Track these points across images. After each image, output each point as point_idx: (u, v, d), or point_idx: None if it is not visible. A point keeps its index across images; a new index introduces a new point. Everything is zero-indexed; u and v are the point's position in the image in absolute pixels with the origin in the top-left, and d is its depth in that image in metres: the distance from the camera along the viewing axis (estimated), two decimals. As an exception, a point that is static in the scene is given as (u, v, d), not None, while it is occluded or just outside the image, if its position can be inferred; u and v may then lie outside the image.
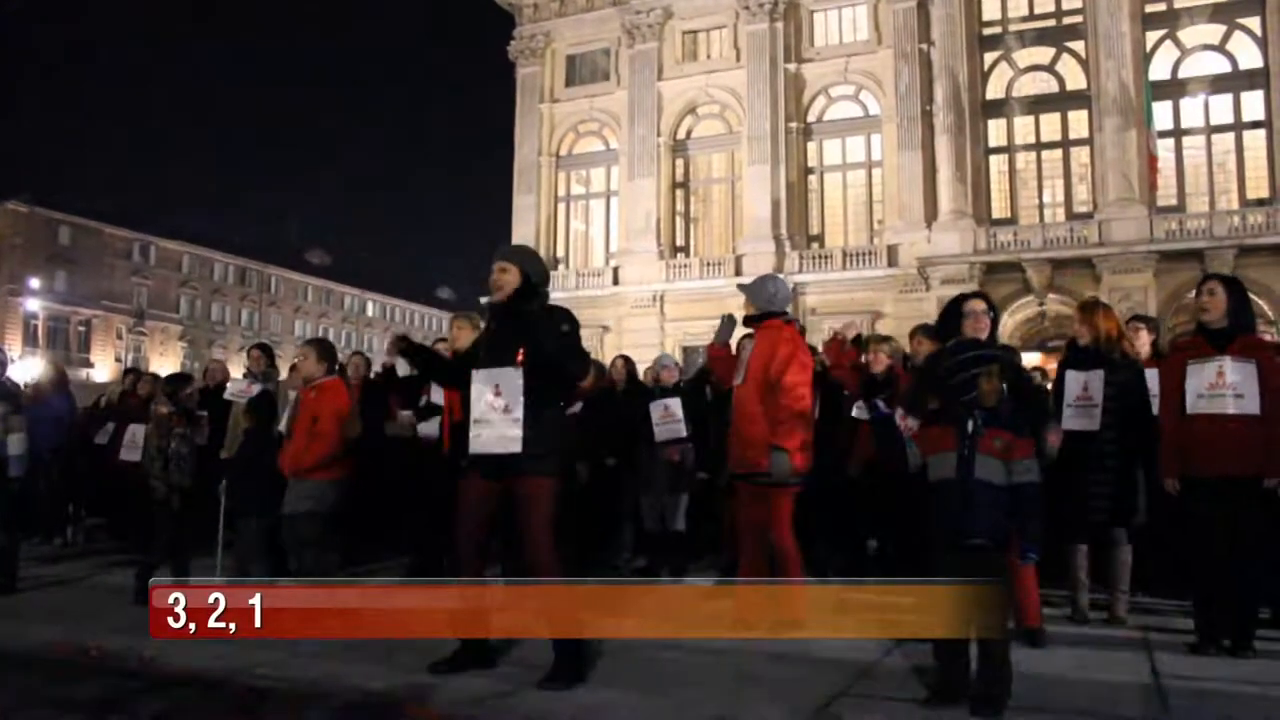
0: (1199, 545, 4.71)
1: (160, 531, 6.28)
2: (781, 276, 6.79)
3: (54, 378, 9.16)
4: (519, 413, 4.10)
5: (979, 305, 4.67)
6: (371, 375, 8.16)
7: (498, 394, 4.13)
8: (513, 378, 4.13)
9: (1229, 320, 4.71)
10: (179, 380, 7.42)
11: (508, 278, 4.31)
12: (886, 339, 6.93)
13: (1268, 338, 6.32)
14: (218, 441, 7.17)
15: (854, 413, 6.18)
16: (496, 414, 4.12)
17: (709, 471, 7.13)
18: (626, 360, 8.45)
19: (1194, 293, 4.98)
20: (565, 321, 4.31)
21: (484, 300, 4.40)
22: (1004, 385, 3.88)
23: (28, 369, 34.53)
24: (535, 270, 4.40)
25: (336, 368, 6.42)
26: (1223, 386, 4.62)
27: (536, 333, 4.20)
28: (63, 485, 9.07)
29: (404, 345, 4.59)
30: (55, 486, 8.95)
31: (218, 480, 6.55)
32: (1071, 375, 5.34)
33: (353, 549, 7.59)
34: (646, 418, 7.37)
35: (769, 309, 5.38)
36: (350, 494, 5.99)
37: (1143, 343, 5.97)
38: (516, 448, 4.09)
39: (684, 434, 7.22)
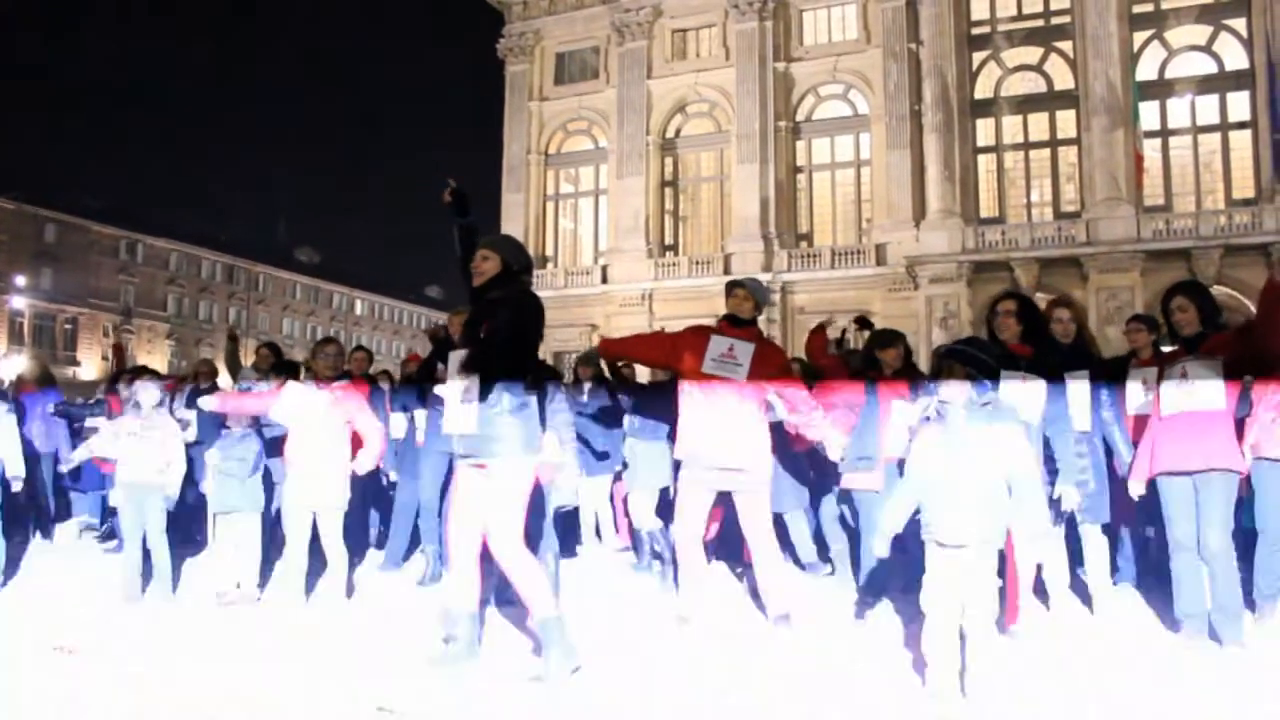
0: (1175, 539, 4.76)
1: (121, 522, 6.24)
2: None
3: (37, 375, 9.07)
4: (474, 393, 4.12)
5: (1004, 306, 4.91)
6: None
7: (460, 374, 4.17)
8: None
9: (1202, 326, 4.80)
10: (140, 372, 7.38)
11: (488, 265, 4.34)
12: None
13: None
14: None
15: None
16: (459, 394, 4.17)
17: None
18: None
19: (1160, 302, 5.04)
20: (516, 308, 4.20)
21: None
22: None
23: (15, 367, 34.32)
24: (516, 258, 4.41)
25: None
26: (1187, 384, 4.69)
27: (495, 316, 4.19)
28: (55, 484, 9.00)
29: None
30: (40, 486, 8.86)
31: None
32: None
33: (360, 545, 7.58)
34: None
35: (759, 314, 5.40)
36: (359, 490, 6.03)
37: (1143, 343, 6.03)
38: (471, 429, 4.13)
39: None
